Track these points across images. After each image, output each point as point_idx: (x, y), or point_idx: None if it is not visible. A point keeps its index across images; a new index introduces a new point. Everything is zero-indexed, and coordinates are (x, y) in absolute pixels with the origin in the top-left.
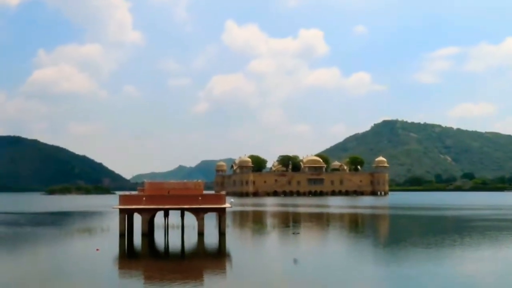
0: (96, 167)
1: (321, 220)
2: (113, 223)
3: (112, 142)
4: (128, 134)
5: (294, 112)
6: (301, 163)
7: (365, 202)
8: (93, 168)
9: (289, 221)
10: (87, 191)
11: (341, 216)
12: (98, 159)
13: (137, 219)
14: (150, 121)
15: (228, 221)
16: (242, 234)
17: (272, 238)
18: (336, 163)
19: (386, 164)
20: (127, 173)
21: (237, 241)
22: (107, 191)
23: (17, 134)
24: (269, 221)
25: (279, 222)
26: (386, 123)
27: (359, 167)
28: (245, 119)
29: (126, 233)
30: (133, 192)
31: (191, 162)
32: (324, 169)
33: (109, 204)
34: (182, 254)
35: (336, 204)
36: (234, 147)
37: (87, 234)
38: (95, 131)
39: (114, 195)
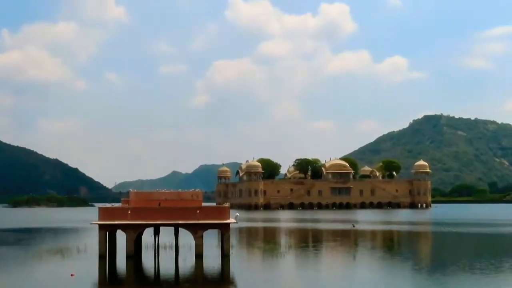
0: (70, 174)
1: (348, 238)
2: (92, 242)
3: (91, 143)
4: (110, 133)
5: (314, 105)
6: (322, 168)
7: (402, 217)
8: (67, 175)
9: (308, 240)
10: (60, 203)
11: (372, 234)
12: (73, 164)
13: (121, 237)
14: (137, 117)
15: (233, 240)
16: (250, 256)
17: (287, 262)
18: (366, 169)
19: (428, 170)
20: (109, 181)
21: (243, 265)
22: (84, 202)
23: None
24: (284, 240)
25: (295, 241)
26: (427, 119)
27: (394, 173)
28: (253, 115)
29: (107, 255)
30: (116, 204)
31: (188, 167)
32: (351, 176)
33: (86, 218)
34: (176, 281)
35: (366, 219)
36: (240, 149)
37: (60, 256)
38: (69, 130)
39: (93, 207)
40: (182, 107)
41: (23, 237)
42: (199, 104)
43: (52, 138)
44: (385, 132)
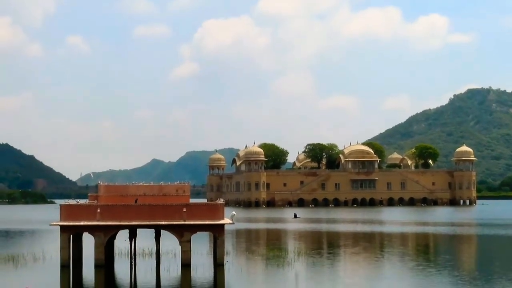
0: (24, 163)
1: (373, 243)
2: (52, 248)
3: (50, 125)
4: (74, 112)
5: (330, 77)
6: (340, 155)
7: (440, 216)
8: (20, 164)
9: (323, 246)
10: (12, 199)
11: (402, 238)
12: (27, 150)
13: (88, 242)
14: (107, 93)
15: (228, 245)
16: (249, 266)
17: (299, 273)
18: (395, 156)
19: (472, 157)
20: (73, 172)
21: (241, 277)
22: (42, 198)
23: None
24: (291, 245)
25: (306, 247)
26: (472, 94)
27: (430, 161)
28: (253, 89)
29: (71, 264)
30: (82, 201)
31: (171, 154)
32: (376, 165)
33: (45, 218)
34: None
35: (395, 219)
36: (237, 132)
37: (12, 265)
38: (22, 107)
39: (53, 205)
40: (164, 79)
41: None
42: (185, 76)
43: (0, 118)
44: (419, 111)
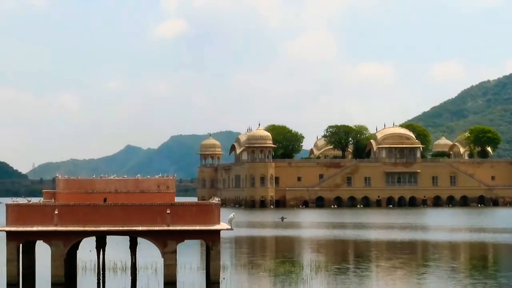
0: None
1: (414, 255)
2: None
3: None
4: (23, 81)
5: (359, 38)
6: (372, 141)
7: (502, 220)
8: None
9: (348, 258)
10: None
11: (452, 248)
12: None
13: (43, 252)
14: (70, 58)
15: (225, 258)
16: (253, 284)
17: None
18: (443, 142)
19: None
20: (23, 162)
21: None
22: None
23: None
24: (308, 258)
25: (327, 259)
26: None
27: (489, 149)
28: (258, 54)
29: (20, 281)
30: (35, 199)
31: (151, 139)
32: (419, 154)
33: None
34: None
35: (442, 224)
36: (237, 111)
37: None
38: None
39: None
40: (142, 40)
41: None
42: (170, 36)
43: None
44: (475, 83)
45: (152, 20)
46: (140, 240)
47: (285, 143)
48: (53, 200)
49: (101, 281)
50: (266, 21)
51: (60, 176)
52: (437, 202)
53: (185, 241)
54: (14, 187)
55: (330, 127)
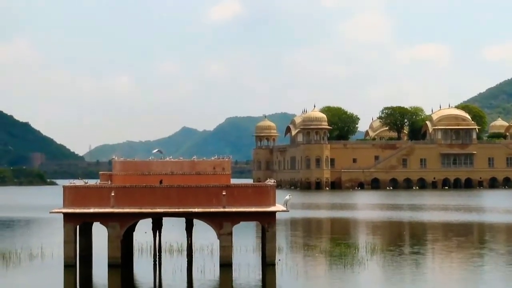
0: (17, 132)
1: (470, 237)
2: (53, 243)
3: (50, 82)
4: (80, 65)
5: (413, 19)
6: (427, 123)
7: None
8: (11, 134)
9: (404, 240)
10: (1, 179)
11: (509, 230)
12: (21, 117)
13: (100, 234)
14: (123, 40)
15: (281, 239)
16: (309, 266)
17: (370, 276)
18: (499, 123)
19: None
20: (80, 144)
21: (298, 281)
22: (39, 178)
23: None
24: (363, 239)
25: (383, 241)
26: None
27: None
28: (313, 35)
29: (77, 262)
30: (92, 181)
31: (207, 121)
32: (475, 135)
33: (44, 204)
34: None
35: (499, 206)
36: (292, 92)
37: (2, 264)
38: (15, 59)
39: (55, 186)
40: (197, 23)
41: None
42: (224, 18)
43: None
44: None
45: (207, 3)
46: (196, 222)
47: (340, 124)
48: (109, 182)
49: (157, 262)
50: (320, 2)
51: (116, 158)
52: (493, 184)
53: (241, 222)
54: (71, 169)
55: (385, 108)
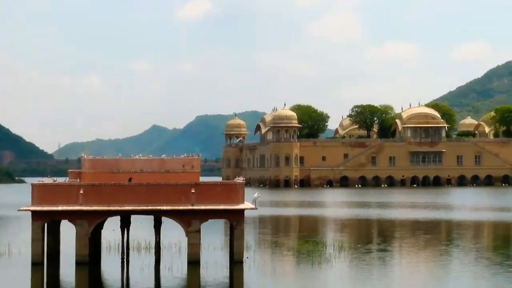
0: None
1: (438, 234)
2: (20, 240)
3: (18, 79)
4: (50, 63)
5: (384, 19)
6: (397, 121)
7: None
8: None
9: (372, 238)
10: None
11: (477, 228)
12: None
13: (68, 231)
14: (94, 38)
15: (249, 237)
16: (277, 263)
17: (337, 273)
18: (468, 121)
19: None
20: (49, 142)
21: (265, 278)
22: (8, 176)
23: None
24: (331, 237)
25: (350, 239)
26: None
27: None
28: (284, 34)
29: (45, 260)
30: (61, 179)
31: (176, 119)
32: (444, 133)
33: (12, 202)
34: None
35: (467, 203)
36: (262, 91)
37: None
38: None
39: (23, 184)
40: (167, 22)
41: None
42: (195, 17)
43: None
44: (501, 62)
45: (178, 1)
46: (164, 219)
47: (310, 123)
48: (78, 180)
49: (125, 260)
50: (291, 1)
51: (85, 156)
52: (462, 182)
53: (209, 220)
54: (40, 167)
55: (355, 106)
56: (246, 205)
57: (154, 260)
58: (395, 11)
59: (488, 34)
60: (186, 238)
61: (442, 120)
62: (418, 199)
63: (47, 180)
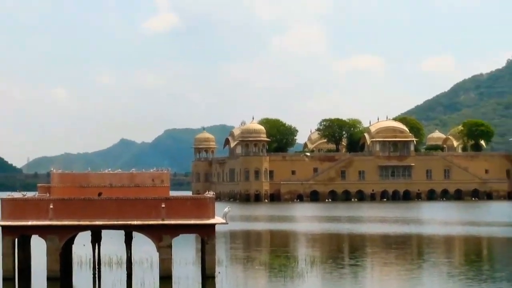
0: None
1: (408, 249)
2: None
3: None
4: (16, 75)
5: (347, 29)
6: (366, 135)
7: (496, 214)
8: None
9: (343, 252)
10: None
11: (447, 242)
12: None
13: (39, 247)
14: (60, 51)
15: (221, 252)
16: (249, 278)
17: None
18: (436, 135)
19: None
20: (17, 157)
21: None
22: None
23: None
24: (303, 251)
25: (322, 253)
26: None
27: (483, 142)
28: (250, 48)
29: (16, 276)
30: (30, 193)
31: (145, 133)
32: (412, 147)
33: None
34: None
35: (437, 218)
36: (230, 105)
37: None
38: None
39: None
40: (132, 34)
41: None
42: (161, 31)
43: None
44: (468, 76)
45: (143, 14)
46: (135, 234)
47: (279, 136)
48: (48, 194)
49: (96, 275)
50: (256, 12)
51: (54, 170)
52: (431, 196)
53: (180, 235)
54: (8, 181)
55: (323, 120)
56: (217, 219)
57: (126, 275)
58: (359, 23)
59: (454, 48)
60: (158, 253)
61: (410, 134)
62: (389, 213)
63: (17, 194)
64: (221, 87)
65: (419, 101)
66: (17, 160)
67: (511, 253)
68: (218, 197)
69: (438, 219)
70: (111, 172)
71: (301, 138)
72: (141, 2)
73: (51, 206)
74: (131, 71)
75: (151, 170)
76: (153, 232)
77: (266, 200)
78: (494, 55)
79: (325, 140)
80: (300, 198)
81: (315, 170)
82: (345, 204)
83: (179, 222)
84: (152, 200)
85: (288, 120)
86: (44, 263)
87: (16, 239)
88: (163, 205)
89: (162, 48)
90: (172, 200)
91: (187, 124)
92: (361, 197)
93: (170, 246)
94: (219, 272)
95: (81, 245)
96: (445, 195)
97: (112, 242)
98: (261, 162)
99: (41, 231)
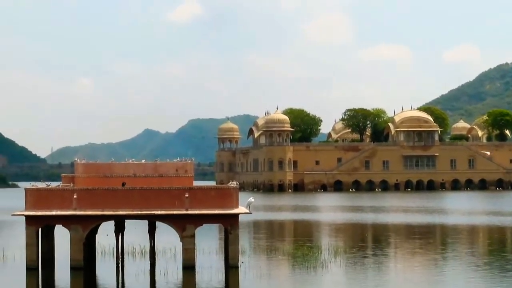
0: None
1: (432, 239)
2: (15, 246)
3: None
4: (40, 65)
5: (372, 19)
6: (390, 125)
7: None
8: None
9: (366, 242)
10: None
11: (471, 232)
12: None
13: (62, 237)
14: (83, 40)
15: (244, 241)
16: (272, 268)
17: (332, 278)
18: (461, 125)
19: None
20: (42, 147)
21: (261, 283)
22: (2, 180)
23: None
24: (326, 241)
25: (345, 243)
26: None
27: (508, 132)
28: (274, 37)
29: (39, 265)
30: (54, 183)
31: (169, 123)
32: (437, 137)
33: (5, 206)
34: None
35: (461, 207)
36: (254, 95)
37: None
38: None
39: (16, 189)
40: (156, 24)
41: None
42: (185, 20)
43: None
44: (493, 65)
45: (168, 4)
46: (158, 224)
47: (303, 126)
48: (71, 184)
49: (120, 265)
50: (281, 4)
51: (78, 160)
52: (455, 186)
53: (204, 225)
54: (33, 171)
55: (348, 110)
56: (241, 209)
57: (149, 265)
58: (386, 13)
59: (480, 37)
60: (181, 243)
61: (434, 124)
62: (412, 203)
63: (41, 184)
64: (245, 77)
65: (444, 90)
66: (41, 150)
67: None
68: (242, 187)
69: (462, 209)
70: (135, 162)
71: (325, 128)
72: None
73: (75, 196)
74: (156, 61)
75: (175, 160)
76: (177, 222)
77: (289, 190)
78: None
79: (349, 130)
80: (324, 188)
81: (339, 160)
82: (369, 194)
83: (203, 212)
84: (175, 190)
85: (312, 110)
86: (67, 253)
87: (40, 229)
88: (186, 195)
89: (187, 38)
90: (195, 190)
91: (211, 114)
92: (385, 187)
93: (193, 236)
94: (242, 262)
95: (105, 235)
96: (469, 185)
97: (136, 232)
98: (285, 152)
99: (65, 221)
